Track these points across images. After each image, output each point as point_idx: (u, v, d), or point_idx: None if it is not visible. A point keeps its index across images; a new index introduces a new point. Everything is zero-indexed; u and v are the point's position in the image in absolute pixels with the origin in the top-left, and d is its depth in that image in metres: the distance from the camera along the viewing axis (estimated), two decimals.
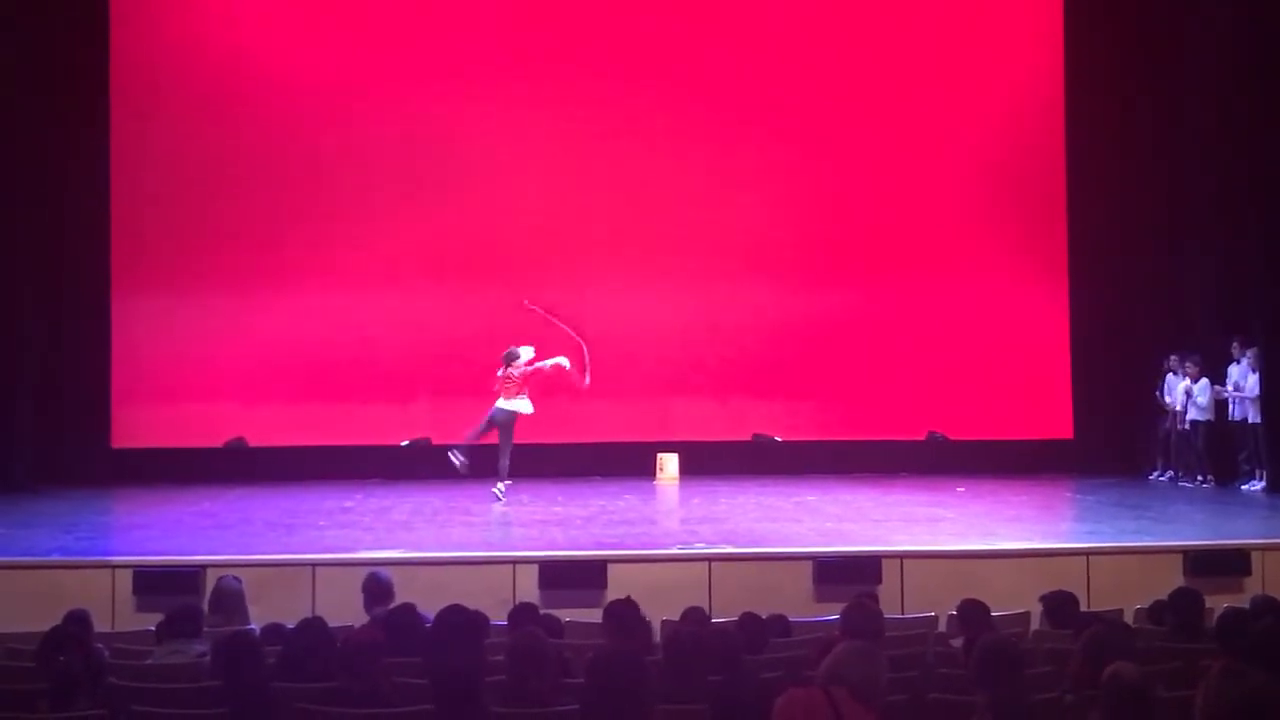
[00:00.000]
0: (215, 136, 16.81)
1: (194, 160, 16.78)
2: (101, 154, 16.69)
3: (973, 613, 7.55)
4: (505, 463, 14.36)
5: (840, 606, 7.00)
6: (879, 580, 10.28)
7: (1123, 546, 11.10)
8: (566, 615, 8.43)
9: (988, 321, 17.44)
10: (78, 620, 7.33)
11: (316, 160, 16.92)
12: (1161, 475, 16.32)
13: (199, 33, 16.96)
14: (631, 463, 16.55)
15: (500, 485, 14.28)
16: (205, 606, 8.38)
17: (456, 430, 16.69)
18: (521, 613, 7.71)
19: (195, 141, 16.77)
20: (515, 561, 10.48)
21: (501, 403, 14.27)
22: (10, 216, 15.81)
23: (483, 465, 14.61)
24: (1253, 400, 15.30)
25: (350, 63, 17.05)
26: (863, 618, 6.61)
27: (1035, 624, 8.30)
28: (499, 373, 14.38)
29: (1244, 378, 15.43)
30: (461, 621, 6.64)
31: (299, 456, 16.61)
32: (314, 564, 10.36)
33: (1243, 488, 15.30)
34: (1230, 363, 15.65)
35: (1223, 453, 15.75)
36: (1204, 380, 15.65)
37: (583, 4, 17.40)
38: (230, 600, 8.36)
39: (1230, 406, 15.66)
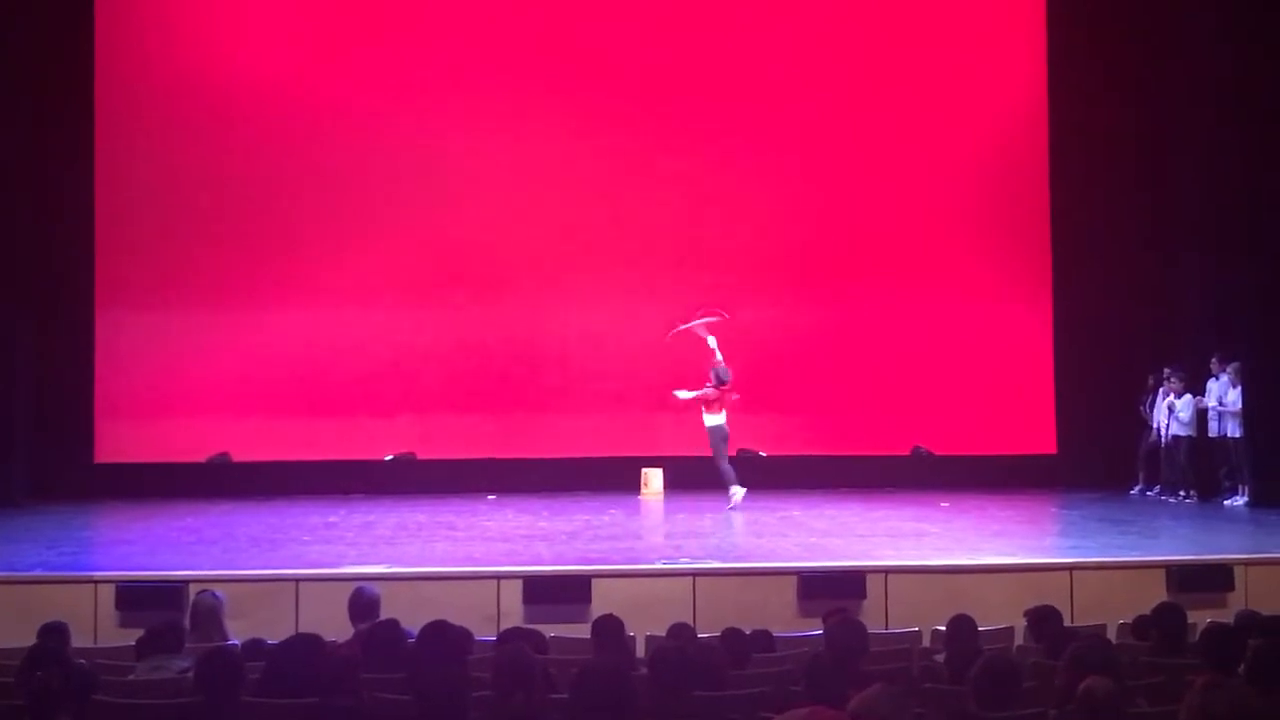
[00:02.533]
0: (200, 153, 16.81)
1: (178, 176, 16.78)
2: (86, 169, 16.68)
3: (961, 629, 7.55)
4: (726, 465, 14.98)
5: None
6: (863, 595, 10.29)
7: (1106, 561, 11.10)
8: (551, 630, 8.41)
9: (972, 336, 17.48)
10: (54, 633, 7.30)
11: (300, 176, 16.93)
12: (1148, 490, 16.32)
13: (185, 48, 16.98)
14: (616, 477, 16.53)
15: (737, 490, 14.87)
16: (187, 622, 8.35)
17: (439, 444, 16.74)
18: (511, 634, 7.69)
19: (180, 157, 16.77)
20: (499, 576, 10.45)
21: (717, 420, 14.92)
22: None
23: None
24: (1234, 414, 15.33)
25: (335, 80, 17.08)
26: (846, 633, 6.62)
27: (1019, 639, 8.31)
28: (715, 391, 14.86)
29: (1225, 393, 15.47)
30: (445, 637, 6.62)
31: (282, 472, 16.58)
32: (297, 579, 10.32)
33: (1225, 503, 15.33)
34: (1209, 378, 15.70)
35: (1205, 468, 15.78)
36: (1187, 396, 15.68)
37: (571, 18, 17.41)
38: (204, 616, 8.32)
39: (1211, 422, 15.69)
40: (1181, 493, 15.71)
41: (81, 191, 16.63)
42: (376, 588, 8.28)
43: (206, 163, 16.82)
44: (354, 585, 8.36)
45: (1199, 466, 15.73)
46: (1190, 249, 16.65)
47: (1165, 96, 16.87)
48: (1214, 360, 15.63)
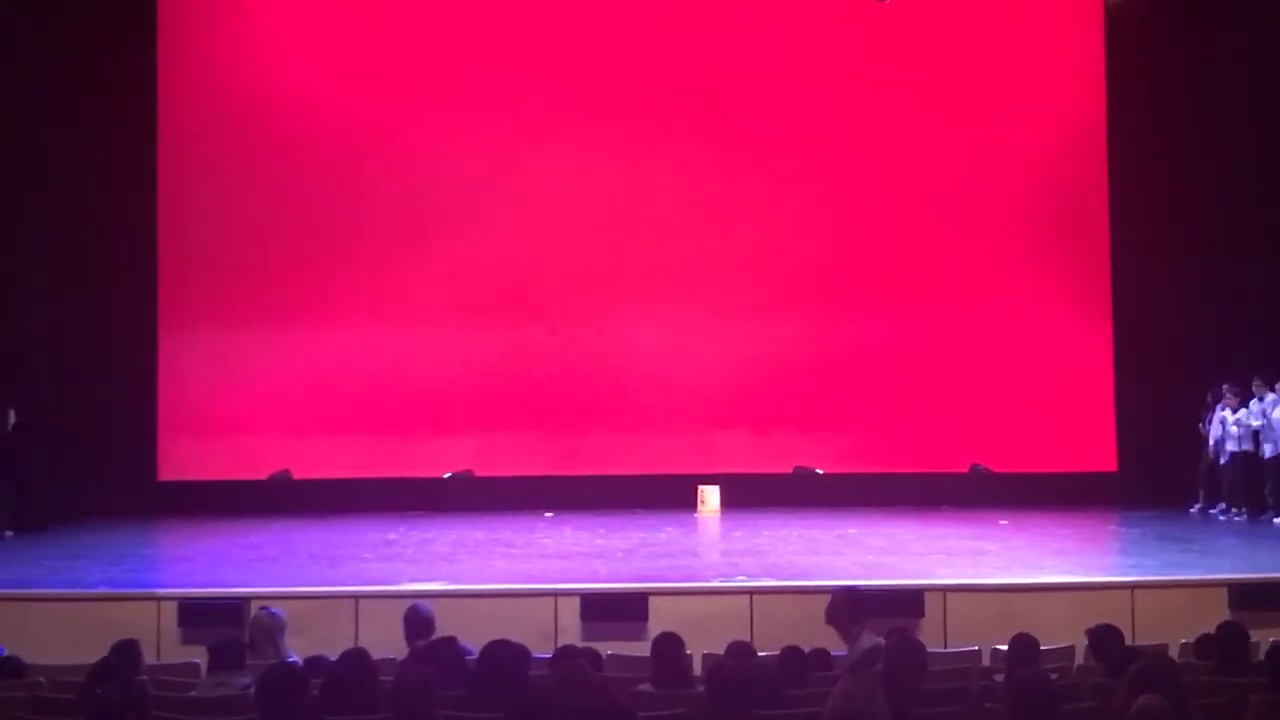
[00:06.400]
0: (261, 172, 16.97)
1: (240, 195, 16.94)
2: (149, 189, 16.85)
3: (1023, 648, 7.50)
4: None
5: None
6: (921, 614, 10.24)
7: (1167, 580, 11.00)
8: (609, 648, 8.42)
9: (1030, 352, 17.35)
10: (123, 651, 7.34)
11: (361, 196, 17.05)
12: (1209, 508, 16.09)
13: (246, 72, 17.13)
14: (673, 495, 16.52)
15: None
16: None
17: (497, 462, 16.79)
18: (566, 652, 7.70)
19: (242, 177, 16.94)
20: (557, 594, 10.48)
21: None
22: (59, 251, 16.03)
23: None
24: None
25: (393, 102, 17.17)
26: (906, 652, 6.58)
27: (1080, 658, 8.25)
28: None
29: (1271, 412, 15.27)
30: (507, 655, 6.62)
31: (343, 489, 16.67)
32: (357, 596, 10.40)
33: (1275, 521, 15.10)
34: (1252, 399, 15.52)
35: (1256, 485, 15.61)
36: (1243, 410, 15.54)
37: (612, 40, 17.40)
38: (259, 634, 8.35)
39: (1265, 445, 15.45)
40: (1232, 510, 15.56)
41: (144, 210, 16.80)
42: (431, 605, 8.31)
43: (269, 181, 16.97)
44: (411, 602, 8.41)
45: (1251, 483, 15.55)
46: (1251, 264, 16.51)
47: (1223, 109, 16.73)
48: (1256, 382, 15.49)
